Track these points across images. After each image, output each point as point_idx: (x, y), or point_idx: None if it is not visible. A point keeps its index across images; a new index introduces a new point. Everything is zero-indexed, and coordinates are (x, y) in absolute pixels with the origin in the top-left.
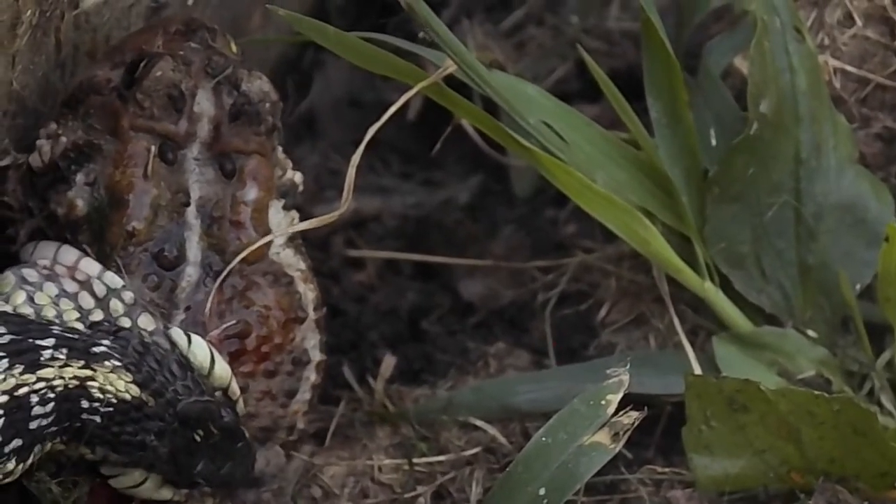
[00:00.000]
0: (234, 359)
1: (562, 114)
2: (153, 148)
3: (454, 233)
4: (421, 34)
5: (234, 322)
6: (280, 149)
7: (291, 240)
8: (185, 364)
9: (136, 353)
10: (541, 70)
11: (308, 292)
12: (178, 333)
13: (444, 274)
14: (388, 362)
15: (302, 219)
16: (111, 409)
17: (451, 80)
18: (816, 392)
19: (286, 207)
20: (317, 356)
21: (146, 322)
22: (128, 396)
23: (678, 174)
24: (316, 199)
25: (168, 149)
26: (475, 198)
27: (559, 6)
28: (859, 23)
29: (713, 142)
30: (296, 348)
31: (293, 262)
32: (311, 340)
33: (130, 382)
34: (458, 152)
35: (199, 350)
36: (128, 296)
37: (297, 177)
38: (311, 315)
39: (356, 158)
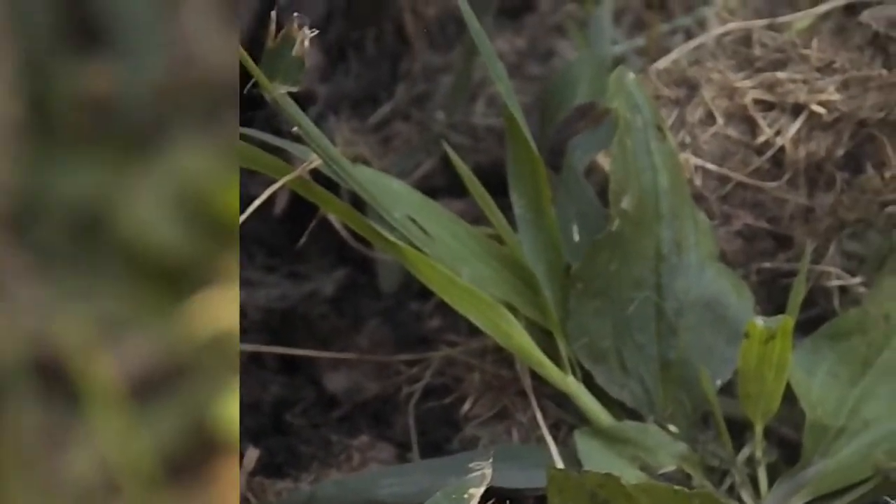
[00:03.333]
0: None
1: (427, 209)
2: None
3: (319, 326)
4: (294, 129)
5: None
6: None
7: None
8: None
9: None
10: (407, 165)
11: None
12: None
13: (308, 367)
14: (252, 455)
15: None
16: None
17: (319, 175)
18: (677, 487)
19: None
20: None
21: None
22: None
23: (541, 269)
24: None
25: None
26: (340, 291)
27: (425, 102)
28: (720, 121)
29: (576, 237)
30: None
31: None
32: None
33: None
34: (323, 246)
35: None
36: None
37: None
38: None
39: None
